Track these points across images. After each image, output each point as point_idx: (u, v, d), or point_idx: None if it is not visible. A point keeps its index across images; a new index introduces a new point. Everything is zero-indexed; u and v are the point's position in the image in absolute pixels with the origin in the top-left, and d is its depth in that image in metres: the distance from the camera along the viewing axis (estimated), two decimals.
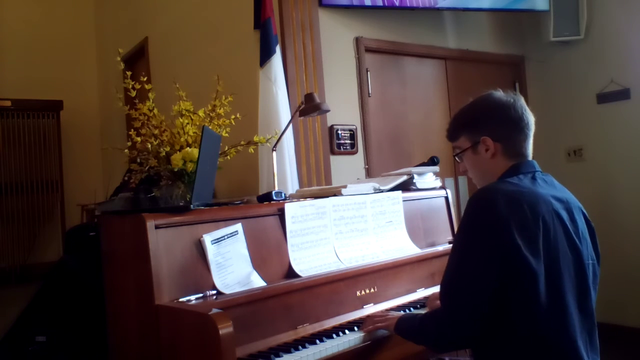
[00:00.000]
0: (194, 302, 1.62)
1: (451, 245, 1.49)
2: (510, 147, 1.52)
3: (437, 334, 1.45)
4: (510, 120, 1.52)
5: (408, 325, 1.61)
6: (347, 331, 1.75)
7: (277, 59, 2.96)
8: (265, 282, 1.81)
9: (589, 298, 1.43)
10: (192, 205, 1.73)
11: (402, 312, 1.76)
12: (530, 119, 1.54)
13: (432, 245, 2.42)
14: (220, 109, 2.21)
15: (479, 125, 1.55)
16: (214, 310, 1.45)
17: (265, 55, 2.95)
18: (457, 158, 1.65)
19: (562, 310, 1.35)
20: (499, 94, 1.56)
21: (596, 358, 1.42)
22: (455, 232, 1.48)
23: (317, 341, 1.65)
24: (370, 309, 1.96)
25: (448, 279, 1.43)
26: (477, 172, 1.60)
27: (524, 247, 1.32)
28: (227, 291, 1.70)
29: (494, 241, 1.34)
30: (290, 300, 1.75)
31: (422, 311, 1.96)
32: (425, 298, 2.09)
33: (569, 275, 1.39)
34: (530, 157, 1.55)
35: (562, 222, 1.42)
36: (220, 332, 1.38)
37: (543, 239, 1.36)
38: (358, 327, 1.78)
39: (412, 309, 2.00)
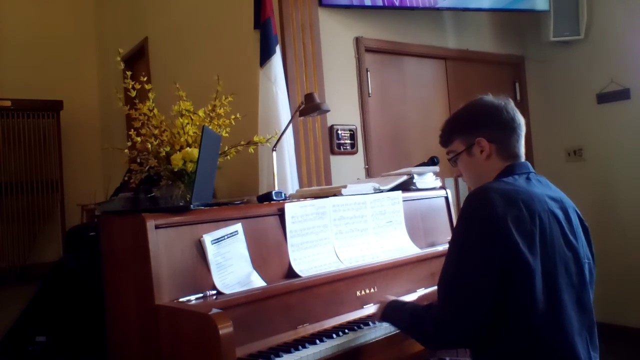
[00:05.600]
0: (194, 302, 1.62)
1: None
2: (504, 147, 1.55)
3: (435, 334, 1.44)
4: (503, 122, 1.55)
5: (397, 317, 1.61)
6: (347, 331, 1.75)
7: (277, 59, 2.96)
8: (265, 282, 1.81)
9: (587, 295, 1.43)
10: (192, 205, 1.73)
11: (390, 298, 1.73)
12: (521, 120, 1.58)
13: (432, 245, 2.43)
14: (220, 109, 2.22)
15: (473, 128, 1.58)
16: (214, 310, 1.45)
17: (265, 55, 2.95)
18: (451, 162, 1.66)
19: (558, 308, 1.36)
20: (490, 97, 1.61)
21: (596, 356, 1.42)
22: (453, 231, 1.48)
23: (317, 341, 1.65)
24: (370, 309, 1.95)
25: (448, 278, 1.43)
26: (472, 174, 1.61)
27: (522, 243, 1.34)
28: (227, 291, 1.70)
29: (493, 239, 1.35)
30: (290, 300, 1.75)
31: None
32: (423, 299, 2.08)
33: (566, 273, 1.39)
34: (523, 158, 1.58)
35: (558, 221, 1.43)
36: (220, 332, 1.38)
37: (540, 237, 1.37)
38: (358, 327, 1.78)
39: None
